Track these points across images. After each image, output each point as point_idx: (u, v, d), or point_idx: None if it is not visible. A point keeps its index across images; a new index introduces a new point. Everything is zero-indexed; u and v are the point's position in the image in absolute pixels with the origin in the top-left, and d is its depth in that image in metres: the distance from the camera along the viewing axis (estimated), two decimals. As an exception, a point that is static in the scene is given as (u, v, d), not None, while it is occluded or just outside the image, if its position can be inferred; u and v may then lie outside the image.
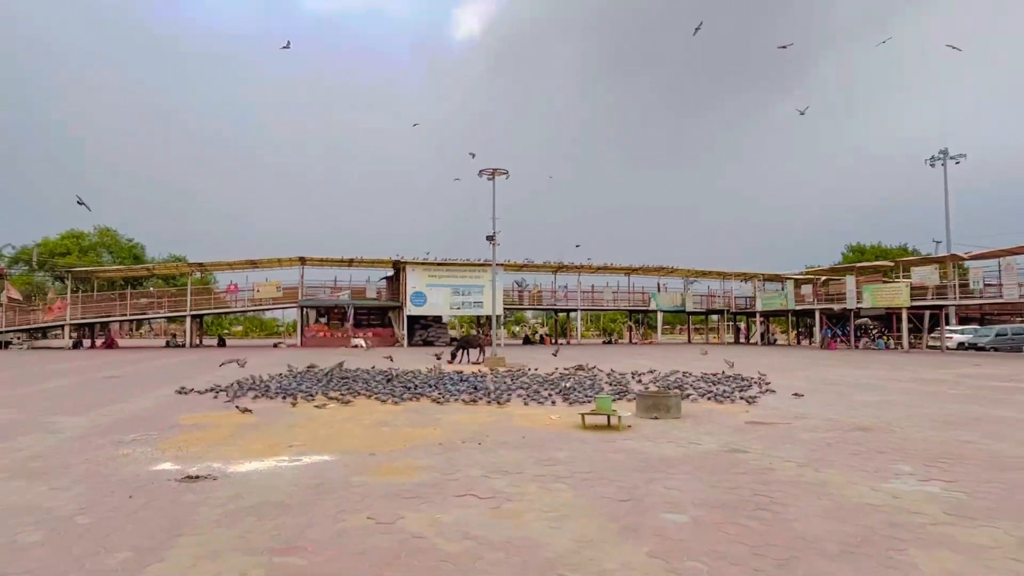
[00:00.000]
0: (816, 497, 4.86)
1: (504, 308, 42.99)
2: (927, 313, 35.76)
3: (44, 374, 17.24)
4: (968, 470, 5.76)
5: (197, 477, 5.47)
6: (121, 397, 11.74)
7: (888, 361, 24.33)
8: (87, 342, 39.61)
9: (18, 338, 37.31)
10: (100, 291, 41.79)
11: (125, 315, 40.17)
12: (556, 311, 51.08)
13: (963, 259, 34.95)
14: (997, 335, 33.44)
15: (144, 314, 41.76)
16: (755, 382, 13.60)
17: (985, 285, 32.84)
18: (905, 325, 35.28)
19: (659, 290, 49.04)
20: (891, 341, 38.08)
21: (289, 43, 33.91)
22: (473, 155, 31.93)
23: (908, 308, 34.56)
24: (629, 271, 47.63)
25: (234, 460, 6.21)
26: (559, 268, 45.72)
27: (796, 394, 11.82)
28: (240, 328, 70.72)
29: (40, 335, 42.17)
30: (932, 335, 36.38)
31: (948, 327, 36.13)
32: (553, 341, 48.38)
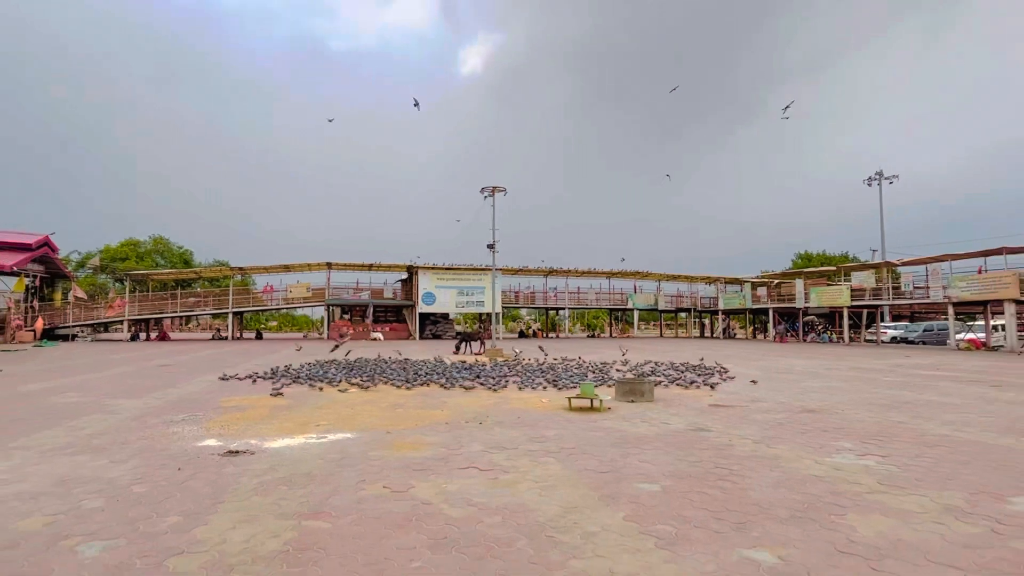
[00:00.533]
0: (769, 469, 4.87)
1: (502, 307, 42.93)
2: (865, 311, 35.84)
3: (105, 363, 17.18)
4: (899, 446, 5.78)
5: (237, 452, 5.46)
6: (172, 383, 11.70)
7: (831, 353, 24.38)
8: (143, 335, 39.46)
9: (83, 332, 37.15)
10: (154, 291, 41.59)
11: (176, 312, 40.01)
12: (547, 309, 51.07)
13: (895, 265, 35.05)
14: (925, 330, 33.52)
15: (192, 311, 41.59)
16: (716, 371, 13.62)
17: (915, 288, 32.93)
18: (846, 322, 35.35)
19: (635, 291, 49.03)
20: (834, 335, 38.16)
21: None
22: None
23: (849, 307, 34.65)
24: (609, 275, 47.56)
25: (269, 437, 6.20)
26: (550, 272, 45.69)
27: (752, 381, 11.85)
28: (275, 323, 70.37)
29: (102, 329, 42.00)
30: (869, 330, 36.46)
31: (883, 323, 36.23)
32: (545, 335, 48.36)
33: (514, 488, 4.32)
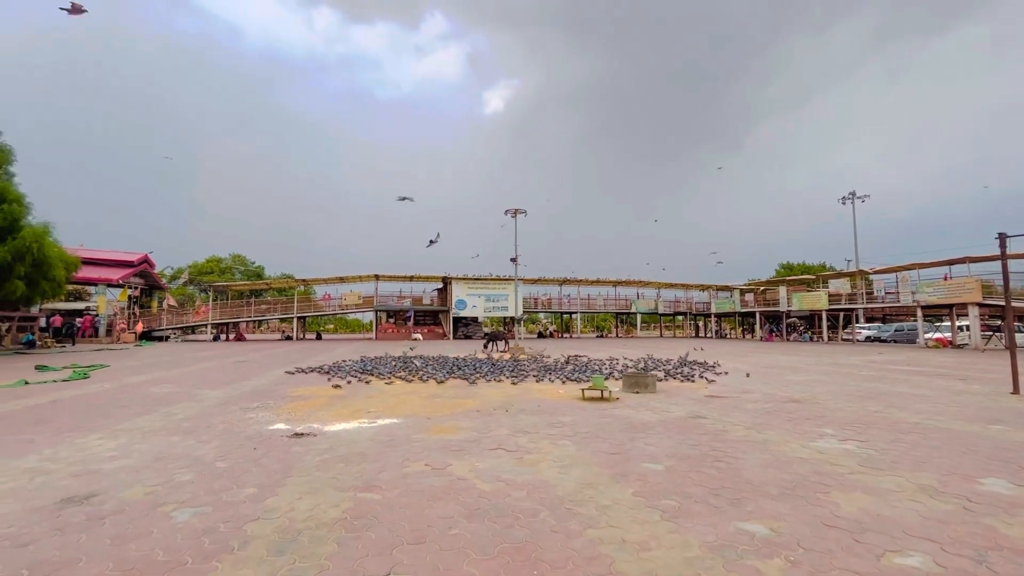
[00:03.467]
0: (760, 452, 4.74)
1: (523, 311, 42.89)
2: (841, 314, 34.88)
3: (193, 360, 17.59)
4: (876, 433, 5.58)
5: (302, 434, 5.52)
6: (247, 376, 11.90)
7: (812, 350, 23.75)
8: (223, 336, 40.33)
9: (174, 334, 38.11)
10: (233, 299, 42.55)
11: (251, 317, 40.85)
12: (562, 313, 50.85)
13: (868, 273, 34.05)
14: (896, 330, 32.47)
15: (264, 316, 42.40)
16: (710, 366, 13.36)
17: (886, 293, 32.00)
18: (825, 323, 34.48)
19: (638, 297, 48.61)
20: (814, 335, 37.18)
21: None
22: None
23: (827, 310, 33.79)
24: (616, 283, 47.23)
25: (328, 422, 6.26)
26: (564, 281, 45.58)
27: (747, 375, 11.57)
28: (332, 326, 71.17)
29: (190, 331, 43.00)
30: (846, 331, 35.46)
31: (858, 324, 35.20)
32: (560, 336, 48.08)
33: (536, 467, 4.28)
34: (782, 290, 37.78)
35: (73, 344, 26.80)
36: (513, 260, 26.60)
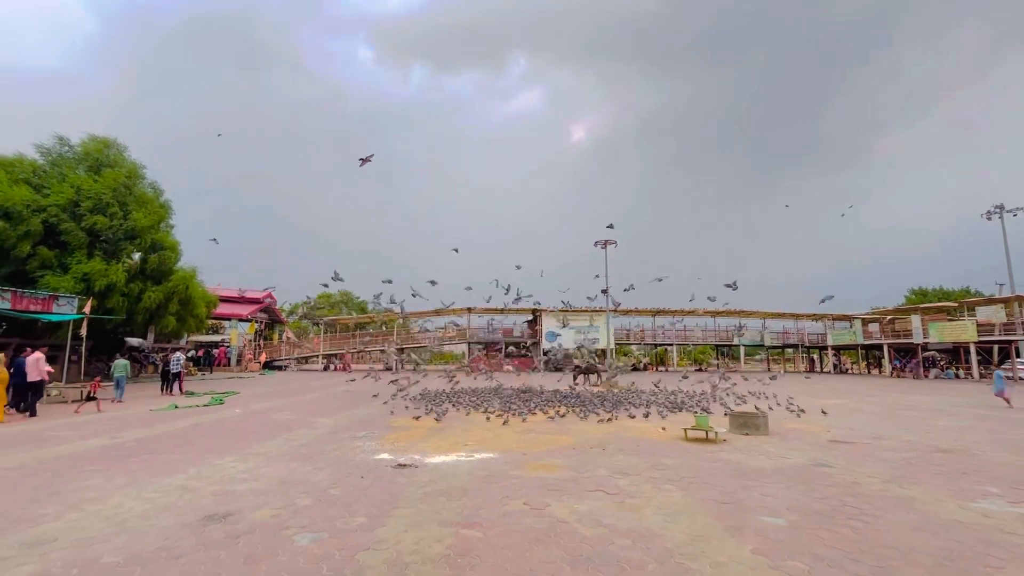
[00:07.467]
0: (904, 511, 4.11)
1: (615, 343, 41.84)
2: (995, 347, 29.77)
3: (307, 388, 19.16)
4: (1060, 495, 4.61)
5: (405, 465, 5.74)
6: (354, 405, 12.68)
7: (959, 390, 20.42)
8: (332, 366, 43.63)
9: (291, 363, 41.94)
10: (340, 332, 46.12)
11: (355, 348, 43.93)
12: (656, 345, 48.77)
13: (1030, 299, 28.93)
14: (1074, 367, 26.98)
15: (367, 347, 45.35)
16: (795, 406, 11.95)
17: (1056, 322, 26.90)
18: (974, 357, 29.60)
19: (740, 328, 45.37)
20: (960, 371, 32.02)
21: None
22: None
23: (975, 342, 29.05)
24: (714, 314, 44.48)
25: (429, 453, 6.45)
26: (657, 312, 43.95)
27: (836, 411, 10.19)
28: (428, 357, 74.27)
29: (304, 361, 47.09)
30: (1003, 366, 30.12)
31: (1020, 360, 29.75)
32: (655, 369, 46.00)
33: (640, 512, 4.06)
34: (915, 319, 33.22)
35: (211, 372, 30.48)
36: (604, 291, 26.20)
